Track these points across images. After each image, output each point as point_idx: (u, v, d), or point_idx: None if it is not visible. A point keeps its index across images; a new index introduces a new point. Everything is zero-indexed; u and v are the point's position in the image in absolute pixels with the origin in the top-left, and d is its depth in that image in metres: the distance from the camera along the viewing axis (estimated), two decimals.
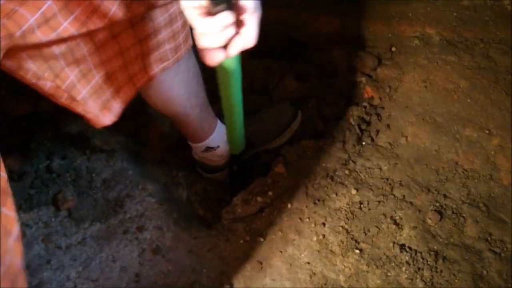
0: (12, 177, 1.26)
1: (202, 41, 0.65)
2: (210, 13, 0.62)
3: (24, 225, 1.21)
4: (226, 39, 0.65)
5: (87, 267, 1.13)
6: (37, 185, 1.27)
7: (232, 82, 0.96)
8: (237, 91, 1.01)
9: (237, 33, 0.67)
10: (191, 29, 0.91)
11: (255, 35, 0.68)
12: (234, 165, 1.52)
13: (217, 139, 1.38)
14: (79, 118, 0.96)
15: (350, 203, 1.21)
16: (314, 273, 1.08)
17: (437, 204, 1.20)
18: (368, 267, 1.08)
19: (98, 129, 1.32)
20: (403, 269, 1.07)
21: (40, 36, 0.70)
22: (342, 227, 1.16)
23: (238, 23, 0.66)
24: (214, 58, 0.69)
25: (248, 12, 0.65)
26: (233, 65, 0.88)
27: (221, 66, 0.86)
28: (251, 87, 1.75)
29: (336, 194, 1.23)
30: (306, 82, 1.71)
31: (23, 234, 1.19)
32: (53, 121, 1.40)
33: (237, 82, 0.97)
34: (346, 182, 1.26)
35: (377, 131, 1.39)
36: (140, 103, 1.32)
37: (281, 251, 1.12)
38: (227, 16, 0.61)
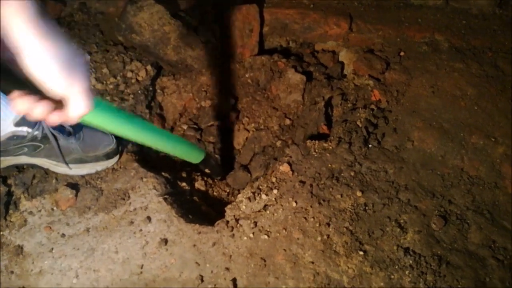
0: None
1: None
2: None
3: (27, 213, 1.20)
4: (41, 113, 0.67)
5: (89, 257, 1.12)
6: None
7: (122, 130, 0.92)
8: (137, 132, 0.96)
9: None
10: None
11: (78, 108, 0.69)
12: (205, 169, 1.51)
13: None
14: None
15: (355, 204, 1.21)
16: (318, 273, 1.08)
17: (442, 210, 1.20)
18: (372, 269, 1.08)
19: None
20: (407, 272, 1.07)
21: None
22: (347, 228, 1.16)
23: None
24: (48, 123, 0.72)
25: (61, 95, 0.67)
26: (103, 119, 0.84)
27: (90, 123, 0.83)
28: (256, 83, 1.75)
29: (341, 195, 1.23)
30: (311, 78, 1.70)
31: (25, 222, 1.19)
32: None
33: (128, 127, 0.93)
34: (352, 184, 1.26)
35: (384, 134, 1.39)
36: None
37: (285, 250, 1.12)
38: (20, 103, 0.65)
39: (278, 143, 1.67)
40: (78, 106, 0.69)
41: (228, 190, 1.57)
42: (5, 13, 0.56)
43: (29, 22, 0.58)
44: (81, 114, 0.71)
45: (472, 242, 1.14)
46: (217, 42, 1.74)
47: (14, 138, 1.16)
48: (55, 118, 0.71)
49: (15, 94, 0.64)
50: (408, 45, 1.69)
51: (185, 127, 1.71)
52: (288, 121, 1.71)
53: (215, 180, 1.61)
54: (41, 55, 0.61)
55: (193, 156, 1.30)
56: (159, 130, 1.12)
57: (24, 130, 1.16)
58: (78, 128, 1.28)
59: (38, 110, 0.67)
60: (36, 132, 1.17)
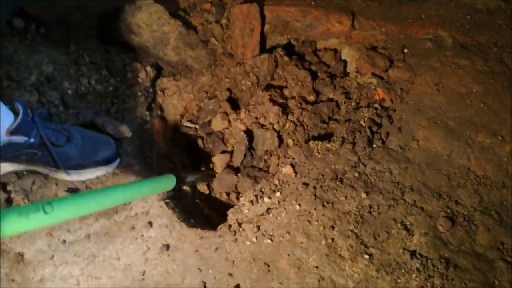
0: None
1: None
2: None
3: None
4: None
5: (90, 264, 1.10)
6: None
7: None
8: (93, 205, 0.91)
9: None
10: None
11: None
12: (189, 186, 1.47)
13: None
14: None
15: (360, 206, 1.19)
16: (323, 278, 1.06)
17: (449, 211, 1.18)
18: (378, 273, 1.06)
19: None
20: (413, 276, 1.05)
21: None
22: (351, 231, 1.13)
23: None
24: None
25: None
26: None
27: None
28: (257, 83, 1.73)
29: (346, 197, 1.21)
30: (314, 77, 1.67)
31: None
32: None
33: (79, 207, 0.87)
34: (356, 185, 1.23)
35: (388, 134, 1.37)
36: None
37: (288, 254, 1.10)
38: None
39: (278, 145, 1.63)
40: None
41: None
42: None
43: None
44: None
45: (480, 243, 1.12)
46: (218, 42, 1.72)
47: (11, 146, 1.14)
48: None
49: None
50: (411, 41, 1.65)
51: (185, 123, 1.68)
52: (290, 117, 1.67)
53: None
54: None
55: (166, 186, 1.23)
56: (114, 188, 1.01)
57: (20, 138, 1.13)
58: (76, 133, 1.25)
59: None
60: (32, 140, 1.15)
